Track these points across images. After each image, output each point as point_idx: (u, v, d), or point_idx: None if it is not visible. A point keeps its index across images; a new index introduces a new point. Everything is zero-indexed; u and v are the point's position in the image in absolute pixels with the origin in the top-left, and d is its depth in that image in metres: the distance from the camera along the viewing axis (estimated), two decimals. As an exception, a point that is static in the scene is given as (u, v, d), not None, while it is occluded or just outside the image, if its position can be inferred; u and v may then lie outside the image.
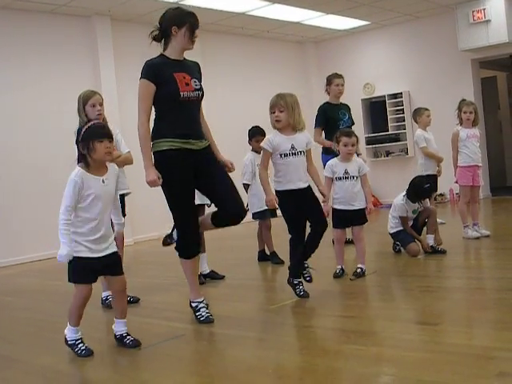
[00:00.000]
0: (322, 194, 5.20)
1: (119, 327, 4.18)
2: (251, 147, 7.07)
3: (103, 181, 3.99)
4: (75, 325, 4.07)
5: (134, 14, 10.60)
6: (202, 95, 4.63)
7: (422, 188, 6.57)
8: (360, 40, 14.00)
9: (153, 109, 4.55)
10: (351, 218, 5.67)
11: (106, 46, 10.57)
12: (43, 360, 4.11)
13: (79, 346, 4.05)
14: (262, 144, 5.03)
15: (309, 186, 5.04)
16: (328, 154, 7.66)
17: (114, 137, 5.38)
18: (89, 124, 4.04)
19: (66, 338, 4.12)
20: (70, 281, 4.02)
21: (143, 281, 6.63)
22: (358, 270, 5.68)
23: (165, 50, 4.60)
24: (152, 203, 9.61)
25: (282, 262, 6.64)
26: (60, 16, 10.12)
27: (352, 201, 5.65)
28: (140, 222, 10.32)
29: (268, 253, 7.09)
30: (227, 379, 3.40)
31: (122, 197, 5.45)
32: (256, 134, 6.98)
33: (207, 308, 4.66)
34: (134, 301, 5.58)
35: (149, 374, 3.60)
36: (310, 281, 5.15)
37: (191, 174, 4.52)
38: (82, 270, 3.94)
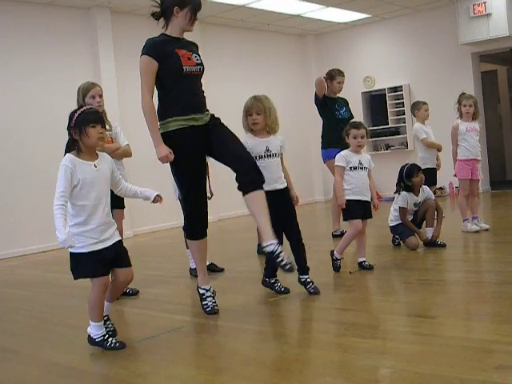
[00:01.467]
0: (295, 198, 5.15)
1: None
2: None
3: (95, 165, 3.92)
4: (99, 320, 3.97)
5: (134, 5, 10.58)
6: (203, 70, 4.65)
7: (402, 169, 6.68)
8: (360, 33, 13.99)
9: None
10: (364, 210, 5.67)
11: (105, 38, 10.55)
12: (44, 352, 4.13)
13: (109, 340, 3.96)
14: None
15: (286, 188, 5.06)
16: (326, 148, 7.72)
17: (113, 129, 5.42)
18: (81, 109, 3.96)
19: (90, 337, 4.00)
20: (79, 277, 3.92)
21: (143, 273, 6.63)
22: (365, 264, 5.71)
23: (165, 29, 4.61)
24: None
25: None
26: (59, 8, 10.11)
27: (365, 192, 5.66)
28: (139, 214, 10.31)
29: None
30: (226, 371, 3.41)
31: None
32: None
33: (214, 298, 4.68)
34: (134, 293, 5.59)
35: (148, 366, 3.61)
36: (285, 291, 5.13)
37: (200, 152, 4.56)
38: (94, 262, 3.85)
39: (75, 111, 3.94)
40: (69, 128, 3.90)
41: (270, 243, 4.27)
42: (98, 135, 3.90)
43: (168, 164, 4.52)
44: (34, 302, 5.92)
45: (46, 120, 9.72)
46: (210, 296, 4.67)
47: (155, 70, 4.44)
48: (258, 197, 4.40)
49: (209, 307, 4.61)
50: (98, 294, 3.93)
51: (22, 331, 4.79)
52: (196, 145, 4.50)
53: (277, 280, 5.15)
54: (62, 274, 7.13)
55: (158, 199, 4.23)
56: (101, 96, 5.38)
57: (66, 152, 3.92)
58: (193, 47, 4.70)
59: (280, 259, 4.24)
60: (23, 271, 8.06)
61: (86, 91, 5.33)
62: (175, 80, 4.47)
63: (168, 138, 4.45)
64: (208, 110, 4.64)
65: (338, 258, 5.75)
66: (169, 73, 4.45)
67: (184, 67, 4.45)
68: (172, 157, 4.39)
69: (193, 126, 4.47)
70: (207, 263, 6.23)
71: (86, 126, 3.85)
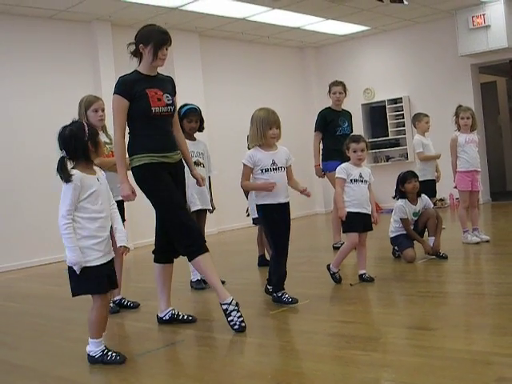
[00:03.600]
0: (305, 191, 5.14)
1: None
2: None
3: (98, 179, 3.96)
4: (99, 336, 3.94)
5: (135, 19, 10.62)
6: (175, 110, 4.76)
7: (399, 176, 6.75)
8: (360, 45, 14.03)
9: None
10: (364, 222, 5.69)
11: (106, 51, 10.59)
12: (44, 365, 4.12)
13: (109, 353, 3.92)
14: (243, 160, 5.04)
15: (288, 203, 5.09)
16: (327, 160, 7.73)
17: (113, 142, 5.43)
18: (85, 124, 3.94)
19: (90, 356, 3.95)
20: (81, 293, 3.87)
21: (143, 286, 6.64)
22: (366, 276, 5.71)
23: (138, 65, 4.67)
24: (152, 208, 9.65)
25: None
26: (60, 21, 10.16)
27: (366, 204, 5.68)
28: (140, 226, 10.32)
29: (268, 258, 7.10)
30: (227, 384, 3.41)
31: (122, 202, 5.40)
32: None
33: (181, 317, 4.81)
34: (135, 306, 5.59)
35: (150, 379, 3.61)
36: (293, 301, 5.07)
37: (171, 182, 4.63)
38: (99, 278, 3.83)
39: (80, 129, 3.89)
40: (80, 142, 3.85)
41: (225, 302, 4.46)
42: (104, 146, 4.05)
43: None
44: (33, 315, 5.91)
45: (47, 133, 9.73)
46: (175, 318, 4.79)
47: (126, 108, 4.52)
48: (204, 260, 4.56)
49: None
50: (102, 311, 3.91)
51: (22, 344, 4.79)
52: (168, 175, 4.59)
53: (284, 292, 5.12)
54: (61, 287, 7.12)
55: (121, 250, 4.07)
56: (103, 110, 5.41)
57: (61, 168, 3.82)
58: (167, 85, 4.74)
59: (230, 318, 4.43)
60: (22, 284, 8.06)
61: (88, 104, 5.36)
62: (144, 120, 4.55)
63: (142, 169, 4.53)
64: (178, 151, 4.75)
65: (335, 271, 5.76)
66: (138, 113, 4.53)
67: (152, 108, 4.52)
68: (135, 196, 4.52)
69: (163, 163, 4.57)
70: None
71: (98, 136, 3.96)
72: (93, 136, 3.90)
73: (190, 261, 4.60)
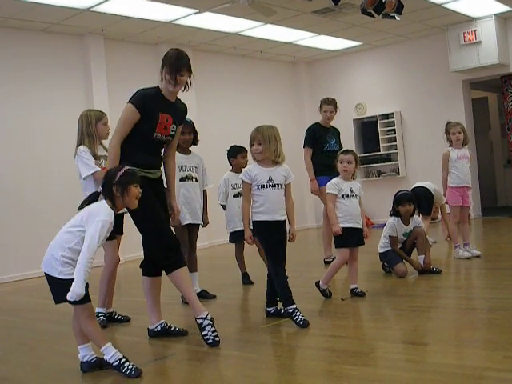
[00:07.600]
0: (291, 234, 5.01)
1: (87, 351, 4.06)
2: (231, 167, 7.15)
3: None
4: (106, 341, 3.94)
5: (127, 33, 10.66)
6: (173, 139, 4.84)
7: (396, 196, 6.75)
8: (352, 60, 14.10)
9: None
10: (357, 237, 5.69)
11: (98, 64, 10.59)
12: (35, 380, 4.09)
13: (126, 364, 3.90)
14: (240, 176, 5.04)
15: (285, 221, 5.02)
16: (316, 175, 7.74)
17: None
18: (124, 169, 4.05)
19: (107, 362, 3.94)
20: (85, 301, 3.88)
21: (134, 300, 6.61)
22: (357, 291, 5.72)
23: (161, 83, 4.69)
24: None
25: (252, 283, 6.89)
26: (53, 34, 10.17)
27: (358, 219, 5.67)
28: (131, 240, 10.26)
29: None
30: (217, 399, 3.39)
31: (122, 215, 5.38)
32: (237, 151, 7.00)
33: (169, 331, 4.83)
34: (125, 320, 5.57)
35: (139, 393, 3.59)
36: (304, 324, 4.78)
37: (154, 194, 4.67)
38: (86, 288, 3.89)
39: (117, 170, 4.04)
40: (109, 184, 3.96)
41: (200, 316, 4.47)
42: (137, 194, 4.06)
43: None
44: (23, 329, 5.87)
45: (38, 145, 9.73)
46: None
47: (135, 121, 4.55)
48: (182, 273, 4.56)
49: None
50: (93, 317, 3.99)
51: (11, 358, 4.75)
52: (150, 189, 4.59)
53: (295, 309, 4.86)
54: (49, 301, 7.08)
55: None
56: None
57: (86, 201, 4.01)
58: (178, 113, 4.81)
59: (205, 332, 4.44)
60: (12, 297, 8.02)
61: (98, 118, 5.44)
62: (142, 139, 4.60)
63: None
64: (160, 169, 4.85)
65: (325, 288, 5.75)
66: (140, 131, 4.58)
67: (155, 134, 4.60)
68: None
69: (147, 177, 4.61)
70: (199, 290, 6.21)
71: (130, 185, 4.00)
72: (123, 182, 3.97)
73: (167, 274, 4.57)
